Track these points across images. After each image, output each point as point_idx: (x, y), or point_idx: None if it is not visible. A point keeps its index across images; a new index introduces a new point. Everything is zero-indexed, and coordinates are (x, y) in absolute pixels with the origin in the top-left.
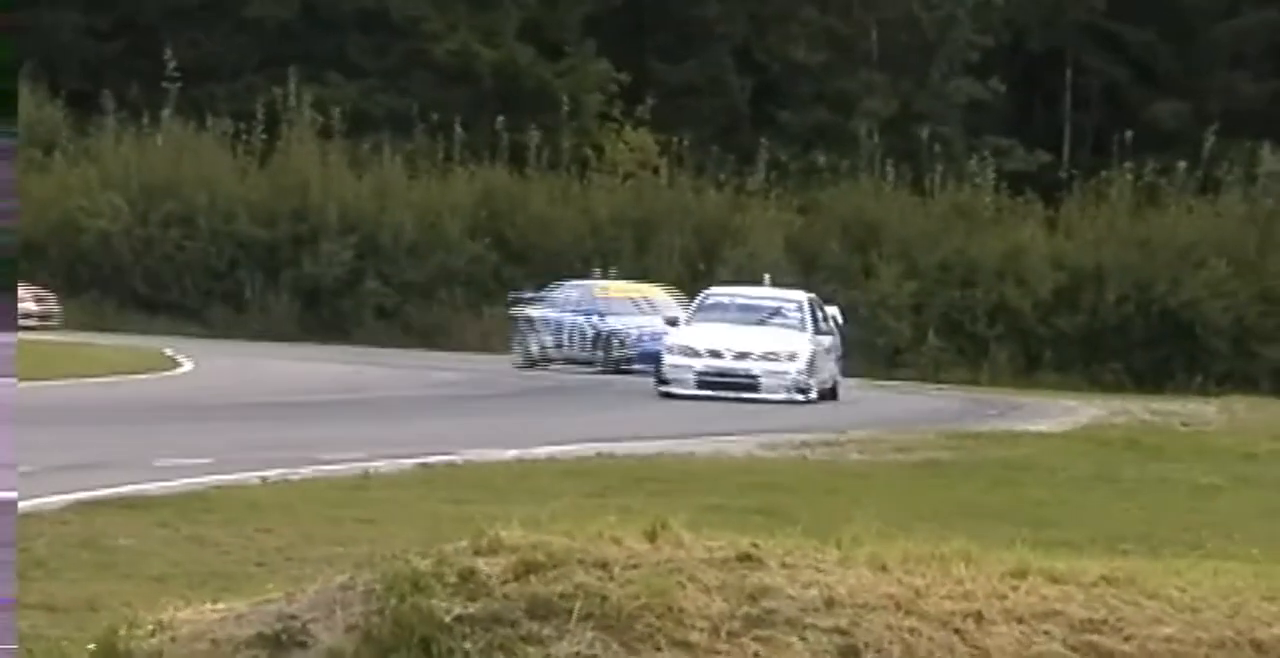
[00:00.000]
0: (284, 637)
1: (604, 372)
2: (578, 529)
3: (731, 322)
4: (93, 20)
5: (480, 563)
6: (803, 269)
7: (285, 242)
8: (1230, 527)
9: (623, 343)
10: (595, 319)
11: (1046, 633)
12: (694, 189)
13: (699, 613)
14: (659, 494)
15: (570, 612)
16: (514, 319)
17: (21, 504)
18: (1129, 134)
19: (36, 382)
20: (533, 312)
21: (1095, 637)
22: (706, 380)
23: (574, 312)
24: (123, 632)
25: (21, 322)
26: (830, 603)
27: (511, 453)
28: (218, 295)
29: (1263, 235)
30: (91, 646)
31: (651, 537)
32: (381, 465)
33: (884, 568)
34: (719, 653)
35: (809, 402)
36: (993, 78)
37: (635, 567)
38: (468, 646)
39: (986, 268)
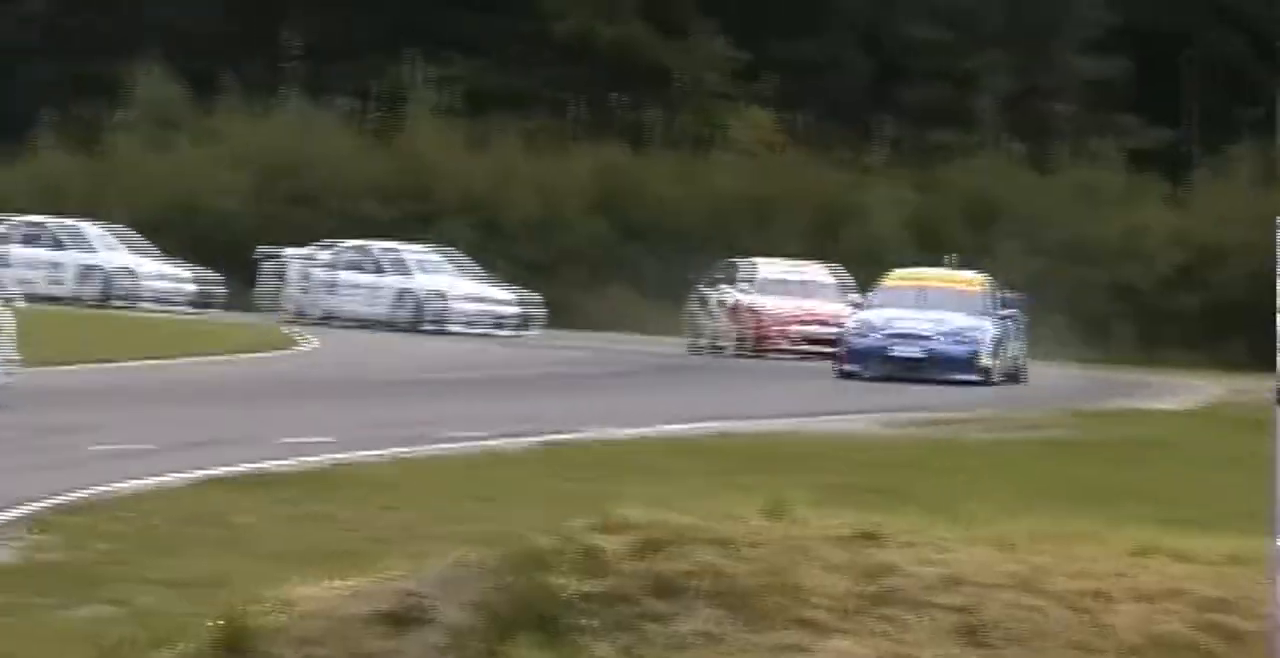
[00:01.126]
0: (406, 614)
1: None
2: (699, 507)
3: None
4: (215, 1)
5: (602, 541)
6: (922, 247)
7: (406, 220)
8: None
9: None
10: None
11: (1170, 612)
12: (814, 167)
13: (821, 591)
14: (780, 473)
15: (692, 590)
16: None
17: (145, 481)
18: (1253, 111)
19: (160, 360)
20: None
21: (1220, 616)
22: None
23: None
24: (246, 609)
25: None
26: (952, 581)
27: (633, 431)
28: None
29: None
30: (214, 622)
31: (773, 515)
32: (503, 444)
33: (1007, 547)
34: (841, 631)
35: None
36: (1116, 55)
37: (757, 545)
38: (590, 623)
39: (1109, 246)
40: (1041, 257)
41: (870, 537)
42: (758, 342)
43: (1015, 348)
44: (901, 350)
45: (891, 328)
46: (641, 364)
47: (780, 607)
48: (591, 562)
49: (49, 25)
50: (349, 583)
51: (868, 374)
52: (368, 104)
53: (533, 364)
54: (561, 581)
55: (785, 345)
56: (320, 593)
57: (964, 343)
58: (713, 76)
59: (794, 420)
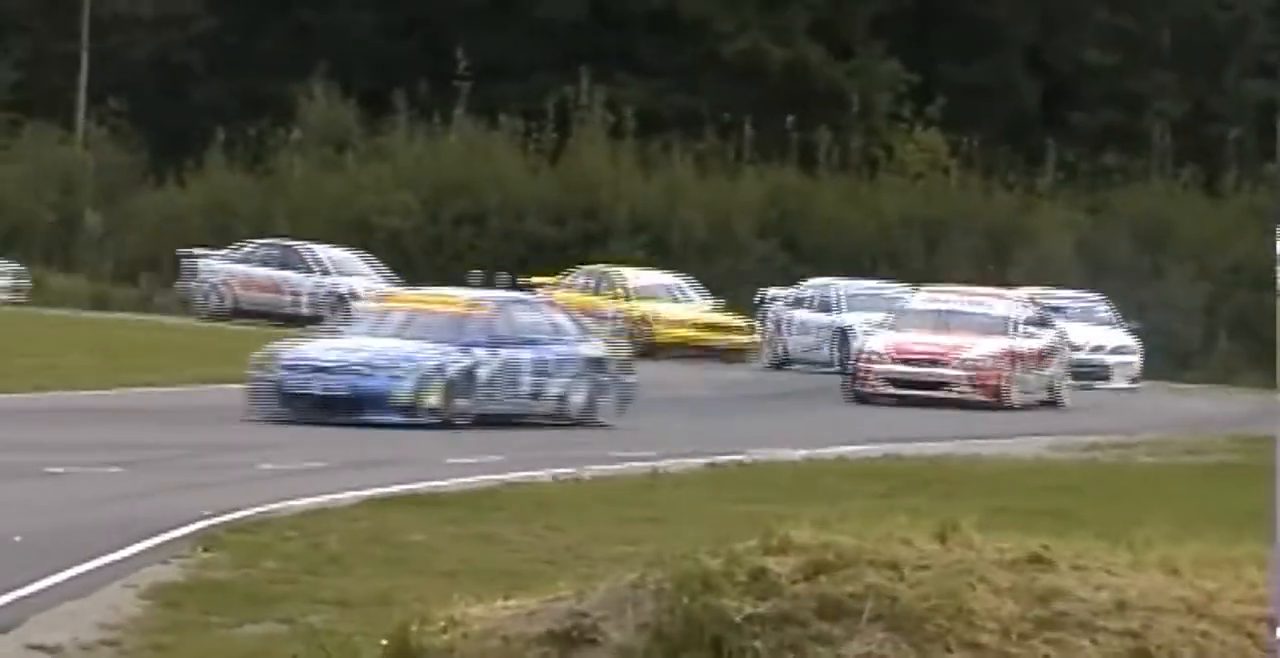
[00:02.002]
0: (575, 634)
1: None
2: (867, 530)
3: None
4: (385, 19)
5: (771, 563)
6: (1093, 270)
7: (575, 240)
8: None
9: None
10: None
11: None
12: (984, 190)
13: (989, 615)
14: (947, 495)
15: (860, 612)
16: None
17: (314, 500)
18: None
19: None
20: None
21: None
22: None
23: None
24: (415, 628)
25: None
26: (1122, 606)
27: (800, 453)
28: None
29: None
30: (384, 641)
31: (942, 538)
32: (670, 464)
33: (1176, 571)
34: (1009, 655)
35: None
36: None
37: (926, 568)
38: (758, 645)
39: None
40: (1211, 281)
41: (1040, 560)
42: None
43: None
44: (297, 387)
45: (307, 359)
46: (807, 385)
47: (948, 630)
48: (760, 583)
49: (219, 45)
50: (517, 603)
51: (259, 415)
52: (537, 124)
53: (701, 384)
54: (730, 602)
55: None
56: (489, 613)
57: (382, 377)
58: (883, 98)
59: (960, 443)
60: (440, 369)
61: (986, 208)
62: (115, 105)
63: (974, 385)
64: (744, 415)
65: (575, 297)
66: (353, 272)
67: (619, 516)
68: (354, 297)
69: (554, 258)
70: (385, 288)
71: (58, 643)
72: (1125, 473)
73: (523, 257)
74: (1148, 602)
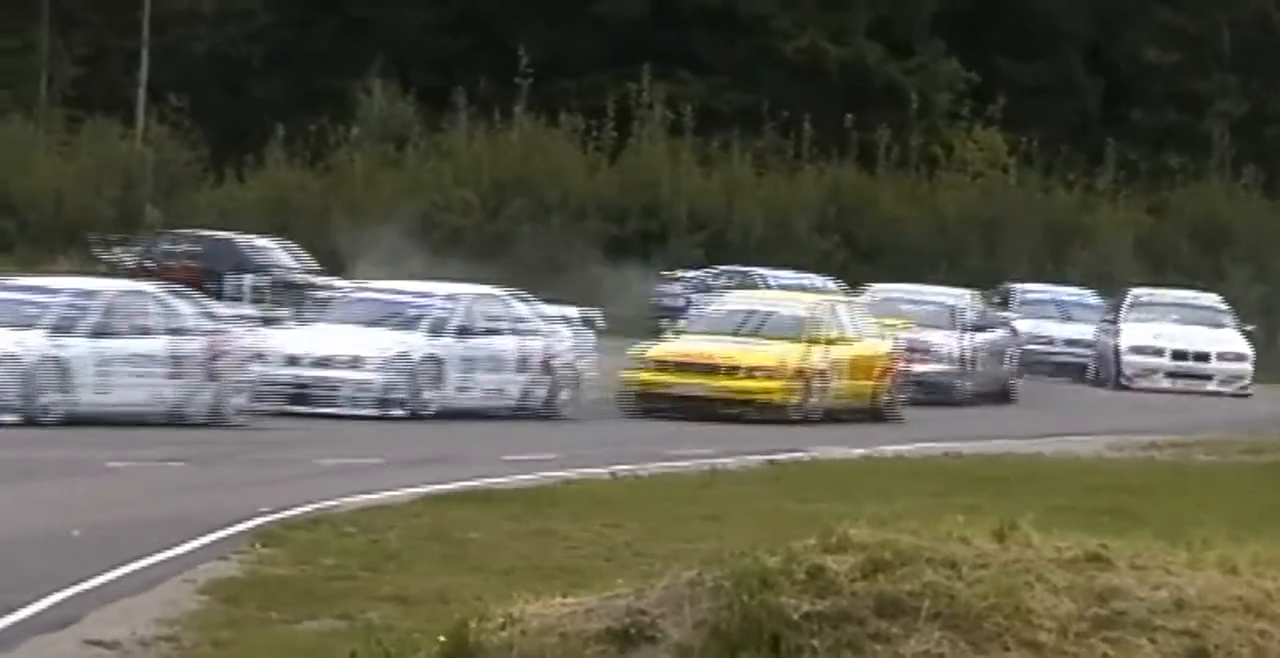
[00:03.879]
0: (633, 631)
1: None
2: (925, 528)
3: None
4: (443, 16)
5: (829, 561)
6: (1152, 270)
7: (635, 238)
8: None
9: None
10: None
11: None
12: (1043, 189)
13: (1047, 613)
14: (1005, 494)
15: (918, 610)
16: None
17: (373, 497)
18: None
19: None
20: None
21: None
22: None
23: None
24: (473, 625)
25: None
26: (1180, 605)
27: (858, 451)
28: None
29: None
30: (442, 638)
31: (1000, 537)
32: (729, 462)
33: (1234, 570)
34: (1067, 654)
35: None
36: None
37: (984, 566)
38: (816, 643)
39: None
40: (1271, 281)
41: (1098, 559)
42: None
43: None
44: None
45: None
46: None
47: (1006, 629)
48: (818, 581)
49: (279, 41)
50: (576, 600)
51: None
52: (597, 122)
53: None
54: (788, 600)
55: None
56: (547, 610)
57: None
58: (943, 97)
59: (1019, 442)
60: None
61: (1046, 207)
62: (175, 101)
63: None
64: None
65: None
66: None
67: (677, 513)
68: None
69: (614, 255)
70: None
71: (116, 639)
72: (1183, 472)
73: (583, 254)
74: (1205, 601)
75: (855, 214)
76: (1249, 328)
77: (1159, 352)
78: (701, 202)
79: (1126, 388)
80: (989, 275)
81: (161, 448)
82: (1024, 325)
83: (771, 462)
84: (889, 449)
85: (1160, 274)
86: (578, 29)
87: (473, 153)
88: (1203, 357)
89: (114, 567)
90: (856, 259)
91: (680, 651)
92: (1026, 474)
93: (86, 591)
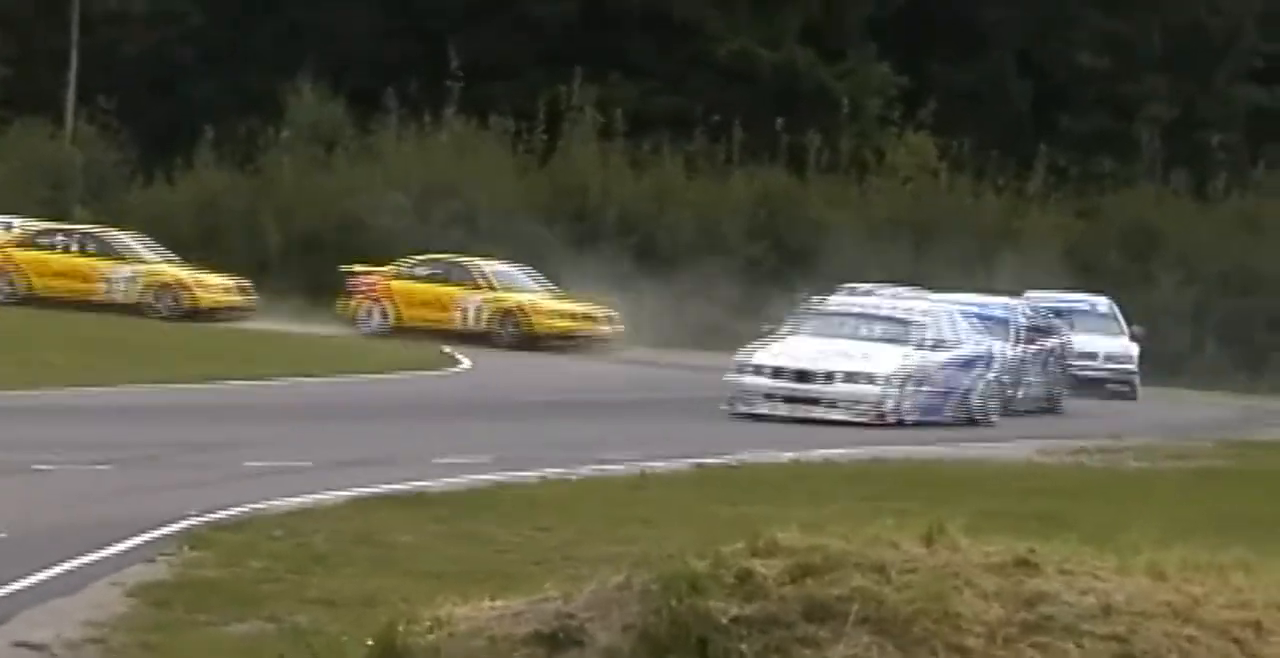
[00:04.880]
0: (561, 635)
1: None
2: (854, 532)
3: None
4: (376, 18)
5: (757, 565)
6: (1081, 275)
7: (564, 241)
8: None
9: None
10: None
11: None
12: (973, 193)
13: (976, 618)
14: (935, 499)
15: (847, 615)
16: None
17: (301, 500)
18: None
19: (318, 378)
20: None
21: None
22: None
23: None
24: (401, 628)
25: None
26: (1107, 610)
27: (788, 456)
28: None
29: None
30: (370, 641)
31: (928, 541)
32: (659, 466)
33: (1162, 576)
34: None
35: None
36: (1278, 85)
37: (912, 571)
38: (744, 647)
39: (1268, 276)
40: (1200, 286)
41: (1026, 564)
42: None
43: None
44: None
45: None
46: None
47: (934, 633)
48: (746, 585)
49: (210, 42)
50: (504, 603)
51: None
52: (528, 124)
53: (688, 387)
54: (716, 604)
55: None
56: (475, 613)
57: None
58: (874, 101)
59: (949, 447)
60: None
61: (976, 212)
62: (104, 103)
63: None
64: (731, 417)
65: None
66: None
67: (607, 516)
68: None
69: (543, 259)
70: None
71: (44, 641)
72: (1113, 477)
73: (512, 258)
74: (1134, 607)
75: (785, 218)
76: (1136, 330)
77: None
78: (632, 205)
79: None
80: (918, 280)
81: (89, 451)
82: None
83: (701, 465)
84: (818, 453)
85: (1090, 279)
86: (509, 31)
87: (402, 155)
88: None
89: (41, 569)
90: (787, 263)
91: (608, 654)
92: (957, 479)
93: (14, 593)
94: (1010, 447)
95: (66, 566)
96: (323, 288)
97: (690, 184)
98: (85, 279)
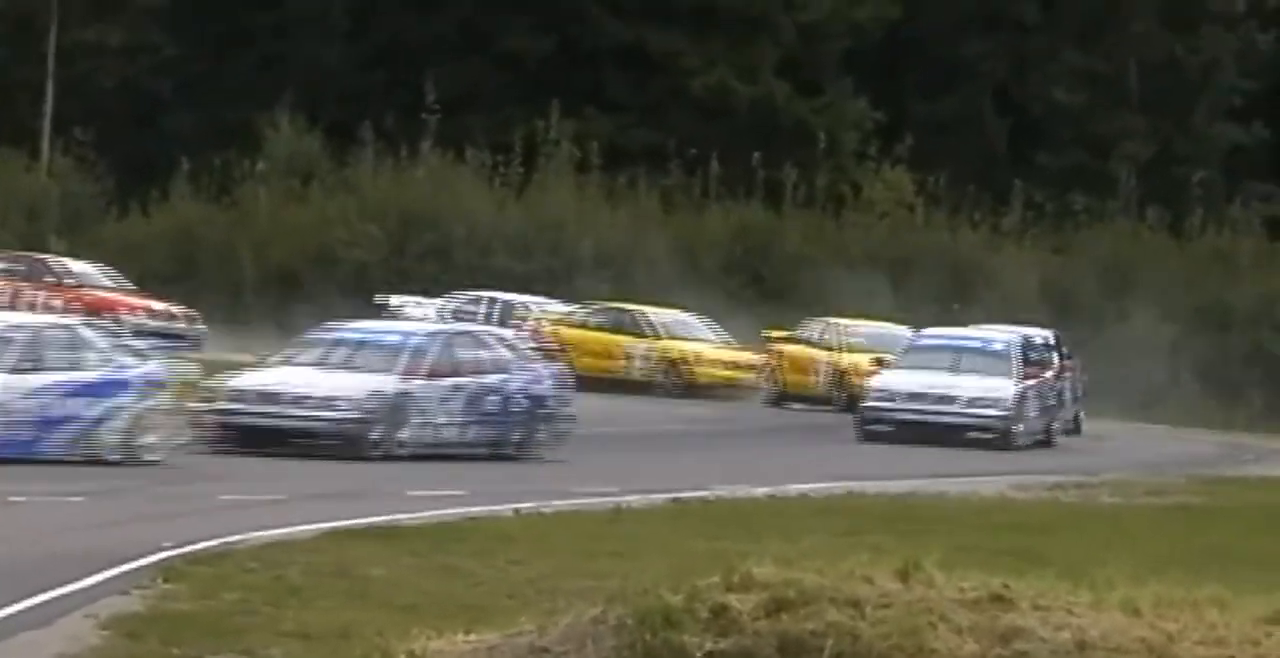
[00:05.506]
0: None
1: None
2: (829, 567)
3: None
4: (352, 51)
5: (732, 599)
6: (1057, 310)
7: (540, 275)
8: None
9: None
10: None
11: None
12: (949, 228)
13: (950, 654)
14: (910, 534)
15: (821, 650)
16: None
17: (275, 532)
18: None
19: None
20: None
21: None
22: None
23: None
24: None
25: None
26: (1082, 646)
27: (763, 490)
28: None
29: None
30: None
31: (904, 576)
32: (634, 500)
33: (1136, 612)
34: None
35: None
36: (1254, 121)
37: (887, 606)
38: None
39: (1244, 313)
40: (1177, 323)
41: (1001, 600)
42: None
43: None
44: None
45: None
46: (769, 424)
47: None
48: (721, 620)
49: (186, 74)
50: (479, 637)
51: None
52: (504, 158)
53: (663, 420)
54: (691, 638)
55: None
56: (450, 647)
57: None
58: (850, 136)
59: (924, 481)
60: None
61: (952, 247)
62: (80, 134)
63: None
64: (706, 451)
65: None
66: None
67: (582, 550)
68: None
69: (519, 292)
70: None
71: None
72: (1087, 513)
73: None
74: (1108, 642)
75: (762, 253)
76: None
77: None
78: (608, 239)
79: None
80: (895, 315)
81: (63, 483)
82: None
83: (676, 499)
84: (793, 488)
85: (1065, 315)
86: (486, 65)
87: (379, 188)
88: None
89: (15, 601)
90: (763, 297)
91: None
92: (931, 514)
93: None
94: (985, 481)
95: (40, 598)
96: (295, 320)
97: (666, 218)
98: (610, 356)
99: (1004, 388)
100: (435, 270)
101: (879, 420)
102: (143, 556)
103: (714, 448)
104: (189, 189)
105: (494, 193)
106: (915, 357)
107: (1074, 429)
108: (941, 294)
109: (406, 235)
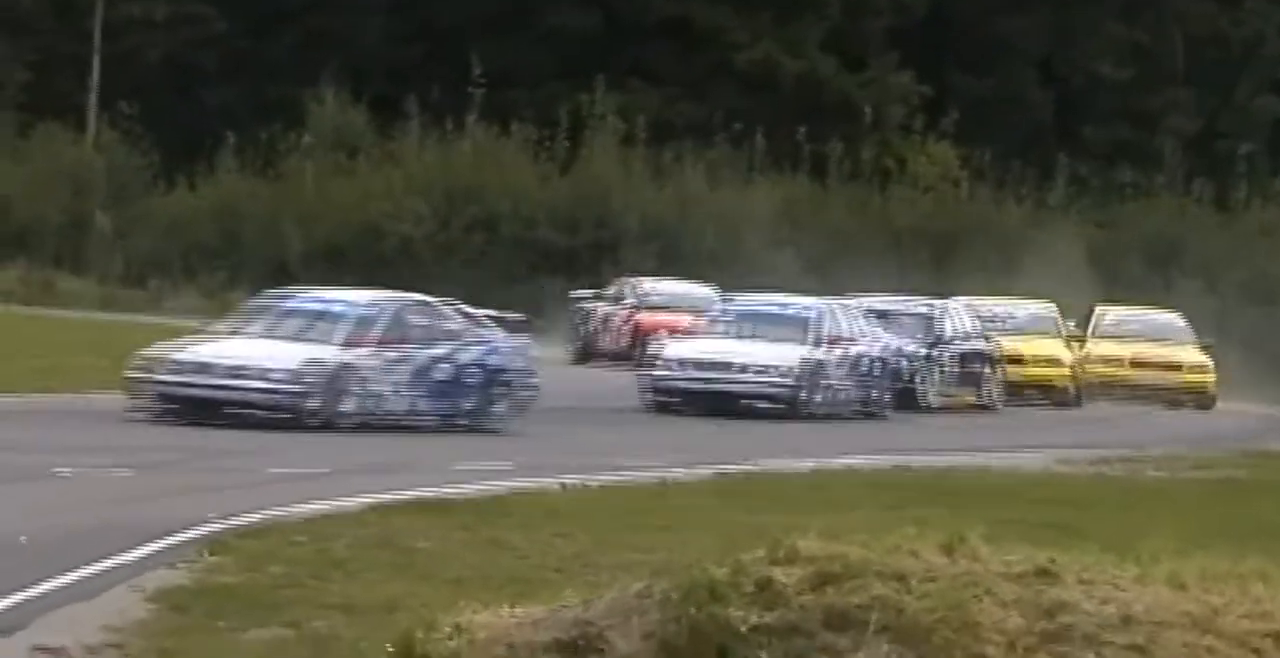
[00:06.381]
0: (581, 643)
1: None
2: (874, 541)
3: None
4: (397, 25)
5: (777, 573)
6: (1103, 284)
7: (586, 249)
8: None
9: None
10: None
11: None
12: (994, 203)
13: (995, 627)
14: (955, 507)
15: (867, 623)
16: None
17: (321, 505)
18: None
19: None
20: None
21: None
22: None
23: None
24: (420, 634)
25: None
26: (1127, 620)
27: (808, 464)
28: (518, 302)
29: None
30: (390, 647)
31: (949, 550)
32: (679, 474)
33: (1182, 586)
34: None
35: None
36: None
37: (932, 580)
38: (764, 655)
39: None
40: (1221, 296)
41: (1046, 574)
42: None
43: None
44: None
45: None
46: None
47: (954, 642)
48: (766, 594)
49: (231, 48)
50: (524, 611)
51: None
52: (550, 132)
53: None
54: (736, 612)
55: None
56: (495, 620)
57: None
58: (895, 110)
59: (970, 455)
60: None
61: (997, 221)
62: (126, 108)
63: None
64: (751, 425)
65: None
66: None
67: (627, 524)
68: None
69: (564, 266)
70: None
71: (62, 645)
72: (1133, 487)
73: (533, 265)
74: (1153, 616)
75: (807, 227)
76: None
77: None
78: (653, 213)
79: None
80: (939, 290)
81: (110, 455)
82: None
83: (722, 473)
84: (839, 461)
85: (1111, 289)
86: (532, 39)
87: (424, 162)
88: None
89: (61, 574)
90: (808, 271)
91: None
92: (977, 488)
93: (34, 597)
94: (1030, 456)
95: (86, 570)
96: None
97: (712, 192)
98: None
99: (790, 355)
100: (480, 244)
101: (667, 391)
102: (189, 529)
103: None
104: (234, 163)
105: (539, 167)
106: (714, 324)
107: (987, 405)
108: (987, 268)
109: (452, 209)
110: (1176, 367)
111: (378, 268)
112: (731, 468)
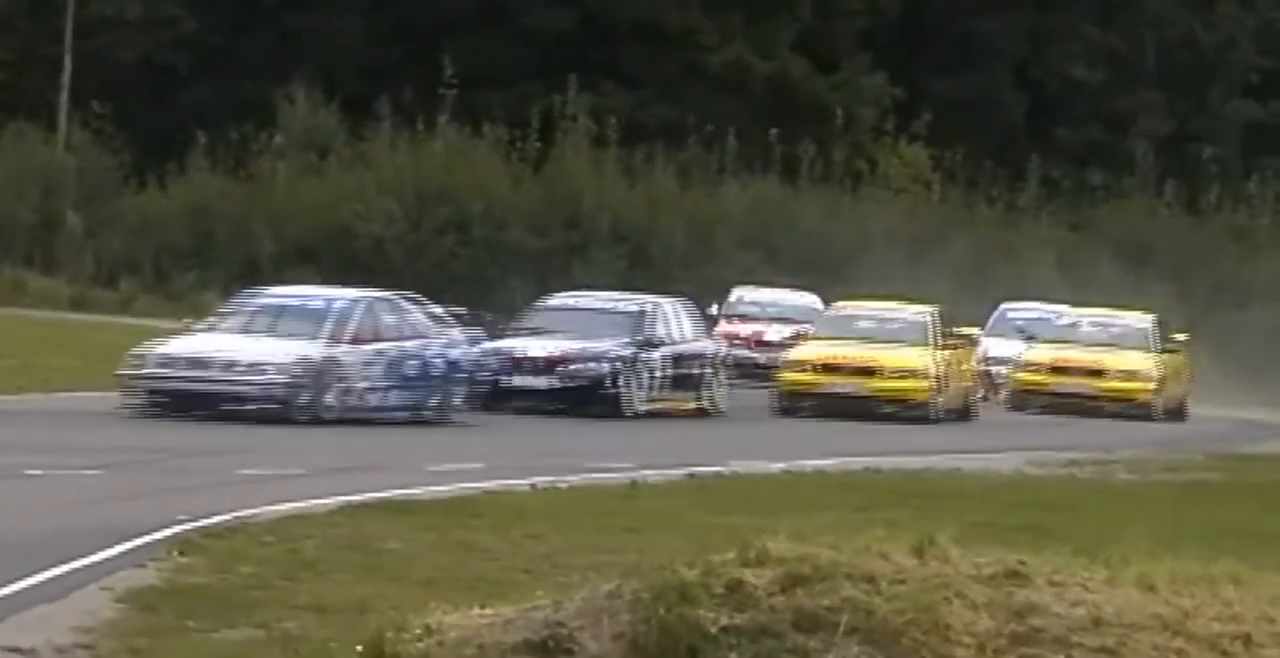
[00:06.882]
0: (551, 644)
1: None
2: (845, 543)
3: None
4: (370, 25)
5: (747, 575)
6: (1074, 287)
7: (557, 250)
8: None
9: None
10: None
11: None
12: (966, 205)
13: (965, 630)
14: (926, 510)
15: (837, 625)
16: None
17: (292, 506)
18: None
19: None
20: None
21: None
22: None
23: None
24: (390, 635)
25: None
26: (1097, 622)
27: (778, 465)
28: (489, 303)
29: None
30: (359, 648)
31: (919, 552)
32: (649, 475)
33: (1152, 588)
34: None
35: None
36: (1272, 99)
37: (902, 582)
38: (734, 656)
39: (1261, 289)
40: (1194, 299)
41: (1016, 576)
42: None
43: None
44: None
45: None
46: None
47: (924, 644)
48: (736, 595)
49: (204, 48)
50: (494, 611)
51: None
52: (521, 133)
53: None
54: (706, 613)
55: None
56: (465, 621)
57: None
58: (867, 112)
59: (941, 457)
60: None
61: (968, 223)
62: (98, 108)
63: None
64: (720, 427)
65: None
66: None
67: (597, 525)
68: None
69: (535, 267)
70: None
71: (32, 646)
72: (1104, 490)
73: (505, 266)
74: (1123, 619)
75: (778, 228)
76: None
77: None
78: (624, 214)
79: None
80: (913, 292)
81: (80, 455)
82: None
83: (692, 475)
84: (809, 464)
85: (1082, 292)
86: (504, 40)
87: (395, 163)
88: None
89: (31, 574)
90: (779, 273)
91: None
92: (947, 490)
93: (3, 598)
94: (1002, 458)
95: (56, 571)
96: None
97: (683, 193)
98: None
99: (287, 352)
100: (451, 245)
101: (156, 392)
102: (159, 529)
103: (728, 423)
104: (206, 163)
105: (511, 168)
106: (235, 319)
107: (709, 410)
108: (958, 270)
109: (423, 210)
110: (1098, 373)
111: (349, 268)
112: (701, 470)
